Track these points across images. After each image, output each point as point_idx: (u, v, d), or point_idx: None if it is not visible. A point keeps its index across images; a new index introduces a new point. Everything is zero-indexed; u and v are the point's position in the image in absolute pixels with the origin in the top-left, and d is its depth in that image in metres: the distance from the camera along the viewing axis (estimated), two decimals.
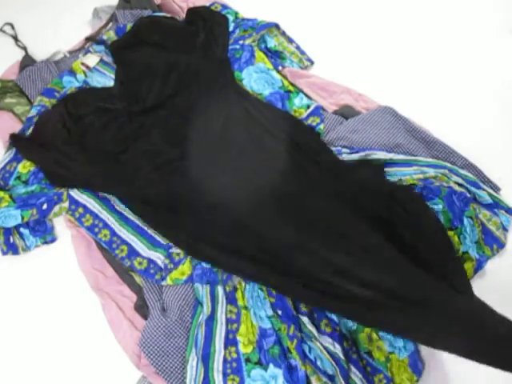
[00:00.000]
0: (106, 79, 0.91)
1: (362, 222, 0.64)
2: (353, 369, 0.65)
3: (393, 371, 0.65)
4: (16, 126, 0.87)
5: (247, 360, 0.65)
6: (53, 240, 0.80)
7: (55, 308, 0.75)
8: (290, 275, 0.63)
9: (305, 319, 0.66)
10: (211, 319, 0.68)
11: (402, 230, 0.65)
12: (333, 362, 0.63)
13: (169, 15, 0.97)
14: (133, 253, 0.75)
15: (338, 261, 0.60)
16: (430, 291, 0.55)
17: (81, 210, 0.78)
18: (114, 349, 0.70)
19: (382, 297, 0.56)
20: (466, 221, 0.72)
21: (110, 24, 0.99)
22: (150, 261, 0.74)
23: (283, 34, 0.96)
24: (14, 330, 0.74)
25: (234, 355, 0.66)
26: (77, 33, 1.00)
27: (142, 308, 0.72)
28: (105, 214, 0.78)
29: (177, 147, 0.78)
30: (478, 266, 0.71)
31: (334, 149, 0.80)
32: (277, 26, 0.95)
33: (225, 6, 0.99)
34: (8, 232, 0.78)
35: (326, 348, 0.64)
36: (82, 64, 0.91)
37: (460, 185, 0.74)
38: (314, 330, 0.65)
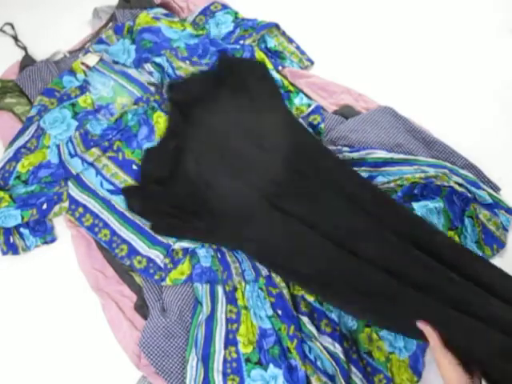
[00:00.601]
0: (105, 79, 0.91)
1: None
2: (353, 369, 0.64)
3: (393, 371, 0.65)
4: (16, 126, 0.87)
5: (247, 360, 0.65)
6: (53, 240, 0.80)
7: (55, 308, 0.75)
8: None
9: (305, 319, 0.66)
10: (211, 319, 0.68)
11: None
12: (333, 362, 0.63)
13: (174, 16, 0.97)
14: (132, 252, 0.75)
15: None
16: None
17: (81, 209, 0.78)
18: (114, 349, 0.70)
19: None
20: (466, 221, 0.72)
21: (110, 24, 0.99)
22: (150, 260, 0.74)
23: (283, 34, 0.96)
24: (13, 330, 0.74)
25: (234, 355, 0.66)
26: (77, 33, 1.00)
27: (142, 308, 0.72)
28: (105, 214, 0.78)
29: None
30: None
31: (334, 148, 0.80)
32: (277, 26, 0.95)
33: (225, 6, 0.99)
34: (8, 232, 0.78)
35: (326, 348, 0.64)
36: (82, 64, 0.91)
37: (460, 185, 0.74)
38: (314, 329, 0.65)
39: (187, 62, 0.89)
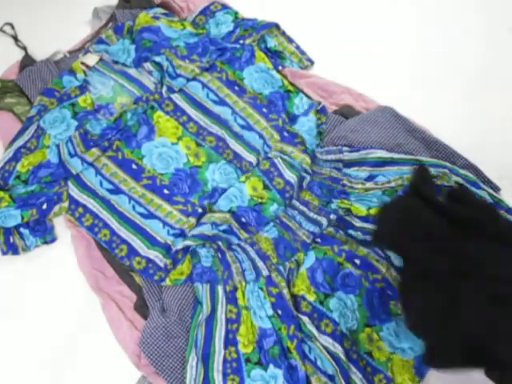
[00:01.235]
0: (105, 79, 0.91)
1: None
2: (353, 369, 0.65)
3: (393, 370, 0.65)
4: (16, 126, 0.87)
5: (247, 360, 0.65)
6: (53, 240, 0.80)
7: (55, 308, 0.75)
8: None
9: (305, 319, 0.66)
10: (211, 319, 0.68)
11: None
12: (333, 362, 0.63)
13: (176, 19, 0.97)
14: (132, 252, 0.75)
15: None
16: None
17: (81, 209, 0.78)
18: (114, 349, 0.70)
19: None
20: None
21: (110, 24, 0.99)
22: (149, 260, 0.73)
23: (283, 34, 0.96)
24: (13, 330, 0.74)
25: (234, 355, 0.66)
26: (77, 33, 1.00)
27: (142, 308, 0.72)
28: (104, 214, 0.78)
29: None
30: None
31: (334, 148, 0.80)
32: (277, 26, 0.95)
33: (225, 6, 0.99)
34: (8, 232, 0.78)
35: (326, 348, 0.64)
36: (82, 63, 0.91)
37: (460, 185, 0.74)
38: (314, 329, 0.65)
39: (187, 60, 0.89)
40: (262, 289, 0.69)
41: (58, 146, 0.82)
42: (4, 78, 0.94)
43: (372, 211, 0.73)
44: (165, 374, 0.65)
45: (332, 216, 0.74)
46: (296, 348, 0.64)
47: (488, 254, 0.54)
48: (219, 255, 0.73)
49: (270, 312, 0.67)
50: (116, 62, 0.93)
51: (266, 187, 0.78)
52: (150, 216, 0.77)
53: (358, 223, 0.73)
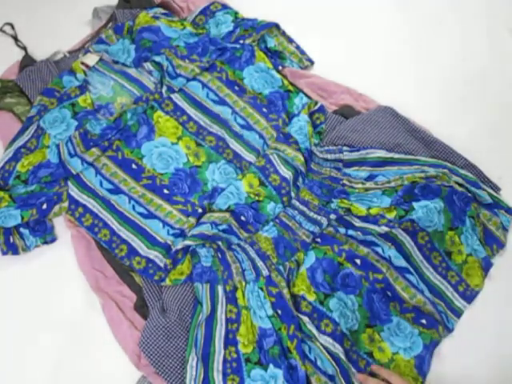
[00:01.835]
0: (105, 79, 0.91)
1: None
2: (353, 369, 0.64)
3: (395, 371, 0.65)
4: (16, 126, 0.87)
5: (247, 360, 0.65)
6: (53, 240, 0.80)
7: (55, 308, 0.75)
8: None
9: (305, 319, 0.66)
10: (211, 319, 0.68)
11: None
12: (333, 362, 0.63)
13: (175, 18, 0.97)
14: (132, 252, 0.75)
15: None
16: None
17: (81, 209, 0.78)
18: (114, 349, 0.70)
19: None
20: (468, 221, 0.72)
21: (110, 24, 0.99)
22: (149, 260, 0.73)
23: (283, 33, 0.96)
24: (13, 330, 0.74)
25: (234, 355, 0.65)
26: (77, 33, 1.00)
27: (142, 308, 0.72)
28: (104, 214, 0.78)
29: None
30: (487, 265, 0.71)
31: (334, 148, 0.80)
32: (277, 26, 0.95)
33: (225, 6, 0.99)
34: (8, 232, 0.78)
35: (326, 348, 0.64)
36: (82, 63, 0.91)
37: (460, 185, 0.74)
38: (314, 329, 0.65)
39: (187, 60, 0.89)
40: (261, 289, 0.69)
41: (57, 145, 0.82)
42: (4, 78, 0.94)
43: (372, 211, 0.73)
44: (165, 373, 0.65)
45: (332, 216, 0.74)
46: (296, 348, 0.64)
47: None
48: (219, 255, 0.73)
49: (270, 312, 0.67)
50: (116, 62, 0.93)
51: (262, 184, 0.78)
52: (150, 216, 0.78)
53: (357, 223, 0.73)
